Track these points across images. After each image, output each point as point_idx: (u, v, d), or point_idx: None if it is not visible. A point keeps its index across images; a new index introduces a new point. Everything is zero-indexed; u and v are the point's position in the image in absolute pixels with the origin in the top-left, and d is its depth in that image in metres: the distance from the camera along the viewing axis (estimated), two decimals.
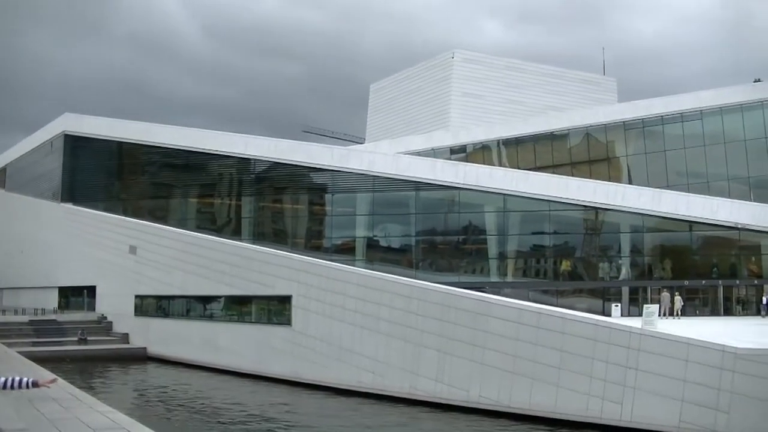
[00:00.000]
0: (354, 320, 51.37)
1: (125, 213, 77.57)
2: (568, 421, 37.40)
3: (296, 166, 70.37)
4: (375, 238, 71.75)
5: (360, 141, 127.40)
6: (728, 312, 65.79)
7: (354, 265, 60.27)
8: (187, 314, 69.89)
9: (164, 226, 72.29)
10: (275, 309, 60.71)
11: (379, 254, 69.94)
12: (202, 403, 48.24)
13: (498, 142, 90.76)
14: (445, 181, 67.22)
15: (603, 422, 36.32)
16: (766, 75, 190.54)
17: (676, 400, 33.91)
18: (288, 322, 57.58)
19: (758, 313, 62.72)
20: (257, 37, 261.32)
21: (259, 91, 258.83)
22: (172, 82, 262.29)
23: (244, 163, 72.86)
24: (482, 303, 43.91)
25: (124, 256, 74.66)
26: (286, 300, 58.27)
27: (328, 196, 71.85)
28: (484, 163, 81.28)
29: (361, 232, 70.36)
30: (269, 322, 60.69)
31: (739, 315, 64.37)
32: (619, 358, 36.47)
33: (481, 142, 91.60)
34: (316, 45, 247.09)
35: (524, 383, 40.14)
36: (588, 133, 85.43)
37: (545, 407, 38.88)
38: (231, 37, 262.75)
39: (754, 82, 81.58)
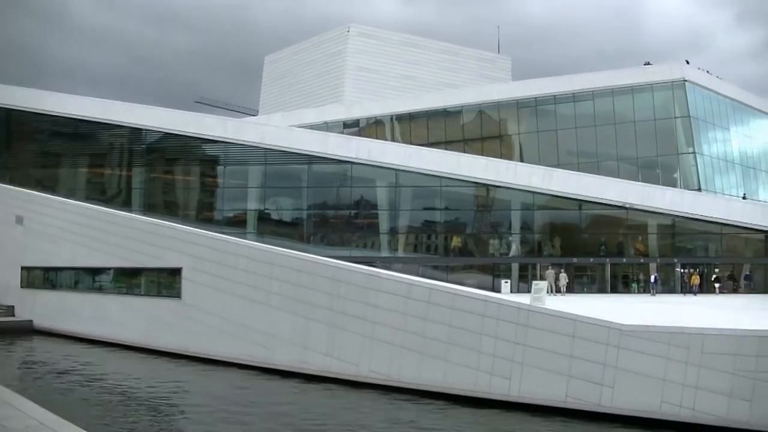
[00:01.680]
0: (245, 293, 51.02)
1: (12, 182, 75.72)
2: (457, 395, 37.67)
3: (189, 137, 69.57)
4: (267, 211, 71.55)
5: (253, 113, 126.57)
6: (615, 289, 67.13)
7: (245, 238, 59.86)
8: (75, 286, 68.62)
9: (52, 196, 70.78)
10: (165, 282, 59.94)
11: (270, 227, 69.79)
12: (87, 375, 47.48)
13: (392, 117, 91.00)
14: (338, 155, 67.19)
15: (491, 397, 36.64)
16: (656, 58, 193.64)
17: (563, 376, 34.42)
18: (178, 294, 56.90)
19: (644, 291, 64.07)
20: (148, 5, 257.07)
21: (150, 61, 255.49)
22: (60, 49, 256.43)
23: (135, 133, 71.71)
24: (372, 277, 43.94)
25: (10, 227, 73.00)
26: (176, 272, 57.56)
27: (220, 168, 71.28)
28: (377, 138, 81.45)
29: (252, 204, 70.06)
30: (159, 294, 59.91)
31: (634, 293, 65.72)
32: (508, 333, 36.83)
33: (375, 117, 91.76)
34: (209, 15, 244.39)
35: (414, 358, 40.32)
36: (481, 111, 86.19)
37: (434, 382, 39.12)
38: (121, 4, 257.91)
39: (645, 65, 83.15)
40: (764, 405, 29.21)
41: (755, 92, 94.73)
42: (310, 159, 68.37)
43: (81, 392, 41.78)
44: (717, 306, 47.47)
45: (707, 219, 65.88)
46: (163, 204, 71.93)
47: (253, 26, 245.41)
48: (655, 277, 64.25)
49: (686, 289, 63.98)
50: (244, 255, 52.35)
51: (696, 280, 62.91)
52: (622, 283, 68.68)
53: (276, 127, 75.17)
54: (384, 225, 69.74)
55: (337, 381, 42.98)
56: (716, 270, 66.56)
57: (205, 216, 70.12)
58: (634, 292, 65.43)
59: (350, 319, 43.66)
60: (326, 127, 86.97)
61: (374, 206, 70.26)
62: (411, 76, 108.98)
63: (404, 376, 40.52)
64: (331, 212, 70.86)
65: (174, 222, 61.66)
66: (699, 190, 73.24)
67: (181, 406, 38.18)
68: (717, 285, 65.05)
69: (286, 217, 72.46)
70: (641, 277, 66.35)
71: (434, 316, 39.87)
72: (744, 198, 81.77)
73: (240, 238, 57.93)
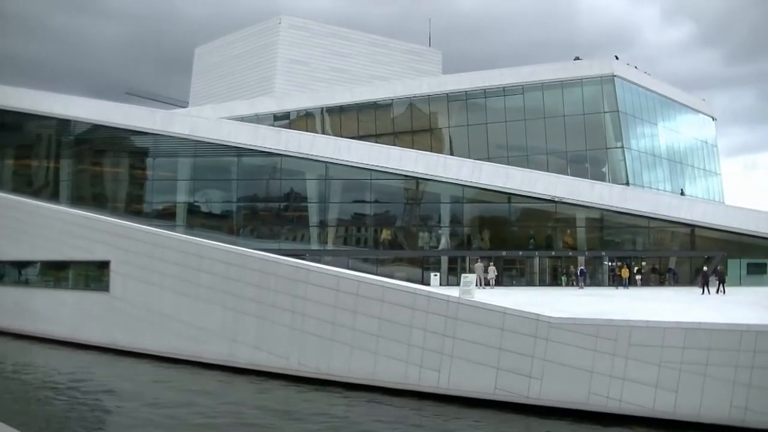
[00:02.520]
0: (173, 286, 50.52)
1: None
2: (387, 388, 37.62)
3: (117, 128, 68.86)
4: (196, 204, 71.14)
5: (183, 105, 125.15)
6: (544, 282, 67.62)
7: (174, 231, 59.35)
8: (1, 280, 67.51)
9: None
10: (93, 275, 59.16)
11: (200, 220, 69.39)
12: (11, 370, 46.80)
13: (322, 109, 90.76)
14: (268, 148, 66.96)
15: (421, 389, 36.65)
16: (587, 52, 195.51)
17: (492, 368, 34.50)
18: (106, 288, 56.10)
19: (574, 284, 64.60)
20: None
21: (78, 51, 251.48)
22: None
23: (63, 124, 70.74)
24: (301, 270, 43.72)
25: None
26: (104, 265, 56.76)
27: (149, 160, 70.67)
28: (307, 131, 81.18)
29: (182, 197, 69.56)
30: (87, 288, 59.15)
31: (562, 286, 66.20)
32: (437, 326, 36.84)
33: (305, 110, 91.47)
34: (139, 5, 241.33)
35: (343, 351, 40.19)
36: (411, 104, 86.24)
37: (364, 374, 39.03)
38: None
39: (575, 59, 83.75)
40: (689, 396, 29.53)
41: (682, 88, 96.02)
42: (240, 151, 68.04)
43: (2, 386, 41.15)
44: (644, 299, 47.97)
45: (635, 213, 66.68)
46: (91, 196, 71.05)
47: (184, 17, 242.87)
48: (582, 270, 64.79)
49: (617, 282, 64.62)
50: (172, 248, 51.82)
51: (626, 273, 63.56)
52: (550, 276, 69.22)
53: (206, 119, 74.73)
54: (314, 218, 69.63)
55: (266, 374, 42.73)
56: (643, 263, 67.41)
57: (134, 208, 69.41)
58: (563, 285, 65.95)
59: (279, 312, 43.41)
60: (257, 119, 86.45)
61: (304, 199, 70.10)
62: (342, 68, 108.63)
63: (334, 369, 40.38)
64: (260, 205, 70.61)
65: (102, 214, 60.86)
66: (627, 184, 73.99)
67: (104, 402, 37.68)
68: (638, 278, 65.89)
69: (216, 209, 72.08)
70: (572, 269, 66.88)
71: (364, 309, 39.77)
72: (682, 194, 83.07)
73: (169, 230, 57.38)
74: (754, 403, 28.40)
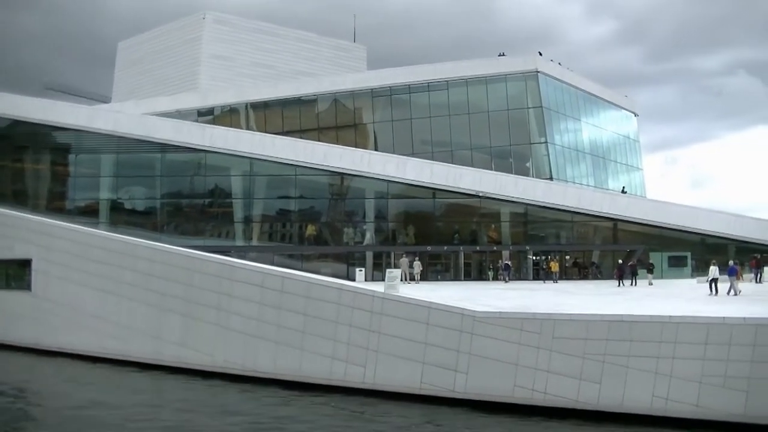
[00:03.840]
0: (97, 284, 49.83)
1: None
2: (313, 384, 37.51)
3: (38, 124, 67.91)
4: (120, 201, 70.56)
5: (106, 100, 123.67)
6: (469, 277, 67.98)
7: (97, 228, 58.69)
8: None
9: None
10: (14, 273, 58.11)
11: (123, 217, 68.82)
12: None
13: (246, 105, 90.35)
14: (192, 144, 66.57)
15: (347, 385, 36.57)
16: (511, 48, 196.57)
17: (418, 363, 34.53)
18: (28, 287, 55.16)
19: (499, 278, 65.01)
20: None
21: None
22: None
23: None
24: (226, 267, 43.46)
25: None
26: (25, 264, 55.78)
27: (71, 157, 69.96)
28: (232, 127, 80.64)
29: (105, 194, 68.97)
30: (8, 287, 58.07)
31: (488, 280, 66.56)
32: (363, 321, 36.80)
33: (230, 105, 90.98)
34: None
35: (269, 347, 39.98)
36: (336, 100, 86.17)
37: (290, 371, 38.85)
38: None
39: (499, 56, 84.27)
40: (612, 387, 29.86)
41: (605, 84, 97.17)
42: (164, 147, 67.60)
43: None
44: (567, 292, 48.40)
45: (558, 207, 67.28)
46: (11, 193, 70.04)
47: (107, 10, 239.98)
48: (506, 264, 65.24)
49: (545, 276, 65.17)
50: (95, 245, 51.18)
51: (555, 267, 64.14)
52: (475, 271, 69.64)
53: (129, 115, 73.99)
54: (238, 214, 69.37)
55: (192, 371, 42.39)
56: (567, 257, 68.11)
57: (55, 206, 68.62)
58: (490, 280, 66.32)
59: (204, 309, 43.09)
60: (180, 115, 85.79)
61: (229, 195, 69.84)
62: (267, 64, 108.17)
63: (260, 366, 40.16)
64: (185, 201, 70.22)
65: (23, 212, 59.89)
66: (551, 179, 74.72)
67: (16, 403, 37.07)
68: (542, 270, 66.79)
69: (140, 206, 71.53)
70: (499, 263, 67.25)
71: (289, 305, 39.62)
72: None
73: (92, 228, 56.70)
74: (675, 393, 28.78)
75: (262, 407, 34.97)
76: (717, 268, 46.71)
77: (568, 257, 69.46)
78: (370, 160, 67.92)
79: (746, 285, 49.02)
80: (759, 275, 58.80)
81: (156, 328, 45.57)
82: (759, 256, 62.70)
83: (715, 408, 28.18)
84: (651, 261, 62.85)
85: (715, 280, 45.80)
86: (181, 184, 70.19)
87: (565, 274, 66.66)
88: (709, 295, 44.45)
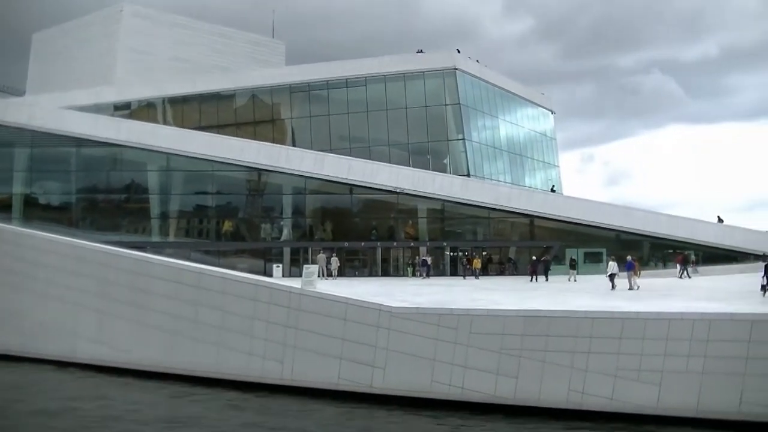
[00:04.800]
0: (9, 281, 49.02)
1: None
2: (230, 380, 37.30)
3: None
4: (34, 196, 69.56)
5: (19, 93, 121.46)
6: (387, 273, 68.11)
7: (10, 224, 57.76)
8: None
9: None
10: None
11: (37, 212, 67.82)
12: None
13: (164, 100, 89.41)
14: (108, 138, 65.86)
15: (264, 381, 36.45)
16: (431, 45, 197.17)
17: (335, 358, 34.54)
18: None
19: (418, 274, 65.21)
20: None
21: None
22: None
23: None
24: (142, 263, 43.08)
25: None
26: None
27: None
28: (149, 121, 79.71)
29: (18, 188, 67.97)
30: None
31: (407, 276, 66.68)
32: (280, 317, 36.72)
33: (147, 100, 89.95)
34: None
35: (186, 344, 39.70)
36: (254, 95, 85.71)
37: (208, 367, 38.60)
38: None
39: (417, 52, 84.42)
40: (529, 381, 30.14)
41: (522, 81, 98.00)
42: (80, 142, 66.75)
43: None
44: (484, 288, 48.73)
45: (475, 203, 67.69)
46: None
47: (19, 0, 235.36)
48: (424, 260, 65.50)
49: (466, 272, 65.44)
50: (6, 241, 50.44)
51: (477, 263, 64.44)
52: (393, 267, 69.82)
53: (44, 108, 72.73)
54: (155, 210, 68.79)
55: (109, 369, 41.85)
56: (484, 253, 68.57)
57: None
58: (409, 276, 66.50)
59: (121, 306, 42.68)
60: (97, 109, 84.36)
61: (145, 190, 69.20)
62: (185, 58, 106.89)
63: (177, 362, 39.84)
64: (101, 196, 69.47)
65: None
66: (468, 175, 75.07)
67: None
68: (462, 266, 67.28)
69: (55, 201, 70.60)
70: (417, 259, 67.45)
71: (206, 301, 39.42)
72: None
73: (4, 223, 55.69)
74: (591, 387, 29.17)
75: (166, 405, 34.72)
76: (615, 264, 47.99)
77: (485, 253, 69.95)
78: (287, 155, 67.77)
79: (644, 281, 49.92)
80: (685, 271, 59.94)
81: (71, 326, 44.96)
82: (686, 253, 63.91)
83: (629, 401, 28.64)
84: (573, 257, 63.56)
85: (613, 275, 46.91)
86: (96, 179, 69.39)
87: (482, 271, 67.10)
88: (611, 290, 45.44)
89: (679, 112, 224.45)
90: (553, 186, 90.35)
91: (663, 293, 42.58)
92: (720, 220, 72.28)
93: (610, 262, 48.52)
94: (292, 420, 31.01)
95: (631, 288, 45.79)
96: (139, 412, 33.09)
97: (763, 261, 40.30)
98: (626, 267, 48.06)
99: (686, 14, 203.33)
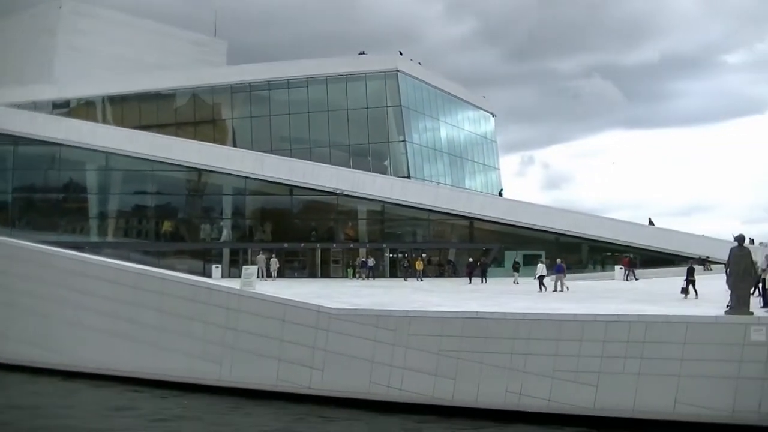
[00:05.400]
0: None
1: None
2: (171, 382, 37.06)
3: None
4: None
5: None
6: (327, 274, 68.15)
7: None
8: None
9: None
10: None
11: None
12: None
13: (103, 98, 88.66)
14: (46, 137, 65.20)
15: (204, 383, 36.19)
16: (372, 47, 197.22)
17: (274, 359, 34.48)
18: None
19: (359, 276, 65.35)
20: None
21: None
22: None
23: None
24: (79, 262, 42.69)
25: None
26: None
27: None
28: (88, 120, 78.95)
29: None
30: None
31: (348, 278, 66.73)
32: (219, 318, 36.59)
33: (86, 98, 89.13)
34: None
35: (126, 345, 39.31)
36: (195, 95, 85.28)
37: (148, 369, 38.25)
38: None
39: (359, 54, 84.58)
40: (467, 383, 30.29)
41: (464, 84, 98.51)
42: (16, 140, 66.06)
43: None
44: (423, 290, 48.97)
45: (415, 205, 67.97)
46: None
47: None
48: (363, 261, 65.66)
49: (407, 273, 65.60)
50: None
51: (420, 265, 64.59)
52: (333, 268, 69.87)
53: None
54: (94, 209, 68.31)
55: (48, 371, 41.30)
56: (423, 255, 68.78)
57: None
58: (350, 277, 66.59)
59: (57, 306, 42.18)
60: (35, 107, 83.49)
61: (84, 190, 68.74)
62: (125, 57, 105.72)
63: (118, 364, 39.41)
64: (38, 196, 68.88)
65: None
66: (408, 177, 75.32)
67: None
68: (403, 268, 67.58)
69: None
70: (358, 260, 67.56)
71: (144, 302, 39.14)
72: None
73: None
74: (529, 388, 29.39)
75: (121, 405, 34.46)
76: (544, 266, 49.00)
77: (424, 255, 70.24)
78: (228, 156, 67.64)
79: (584, 284, 50.72)
80: (630, 274, 60.74)
81: (2, 327, 44.31)
82: (632, 256, 64.74)
83: (566, 402, 28.87)
84: (517, 260, 64.05)
85: (542, 277, 47.77)
86: (34, 178, 68.80)
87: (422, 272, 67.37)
88: (539, 291, 46.10)
89: (619, 116, 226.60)
90: (501, 190, 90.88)
91: (601, 295, 43.13)
92: (651, 223, 73.46)
93: (539, 264, 49.49)
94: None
95: (555, 290, 46.55)
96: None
97: (701, 264, 41.06)
98: (555, 270, 48.80)
99: (628, 20, 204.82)
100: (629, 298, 40.86)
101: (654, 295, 42.73)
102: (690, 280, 40.50)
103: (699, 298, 38.99)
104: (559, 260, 50.41)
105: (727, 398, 26.82)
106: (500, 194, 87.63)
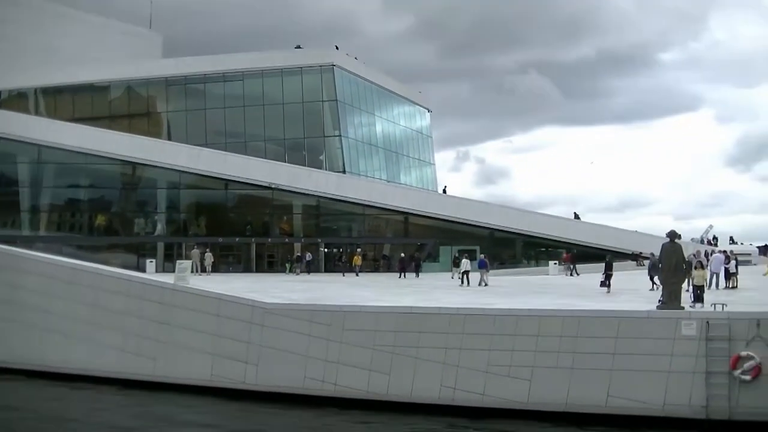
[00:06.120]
0: None
1: None
2: (106, 378, 36.71)
3: None
4: None
5: None
6: (261, 269, 68.03)
7: None
8: None
9: None
10: None
11: None
12: None
13: (36, 90, 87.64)
14: None
15: (139, 378, 35.87)
16: (309, 41, 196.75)
17: (208, 354, 34.36)
18: None
19: (296, 270, 65.31)
20: None
21: None
22: None
23: None
24: (11, 257, 42.17)
25: None
26: None
27: None
28: (20, 112, 77.97)
29: None
30: None
31: (285, 272, 66.59)
32: (153, 313, 36.39)
33: (18, 90, 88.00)
34: None
35: (59, 341, 38.91)
36: (129, 87, 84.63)
37: (82, 364, 37.81)
38: None
39: (296, 48, 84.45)
40: (402, 378, 30.40)
41: (400, 79, 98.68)
42: None
43: None
44: (359, 284, 49.08)
45: (350, 200, 68.08)
46: None
47: None
48: (299, 256, 65.71)
49: (344, 268, 65.67)
50: None
51: (358, 260, 64.68)
52: (267, 263, 69.79)
53: None
54: (25, 203, 67.48)
55: None
56: (358, 250, 68.88)
57: None
58: (287, 272, 66.49)
59: None
60: None
61: (15, 183, 67.86)
62: (57, 48, 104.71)
63: (49, 360, 38.98)
64: None
65: None
66: (344, 172, 75.46)
67: None
68: (340, 263, 67.77)
69: None
70: (295, 255, 67.52)
71: (78, 297, 38.77)
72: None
73: None
74: (462, 382, 29.59)
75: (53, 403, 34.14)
76: (468, 261, 49.80)
77: (359, 249, 70.37)
78: (162, 149, 67.21)
79: (518, 279, 51.37)
80: (573, 269, 61.41)
81: None
82: (575, 251, 65.39)
83: (500, 396, 29.12)
84: (456, 255, 64.42)
85: (466, 272, 48.72)
86: None
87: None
88: (460, 286, 46.72)
89: (555, 113, 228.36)
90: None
91: (535, 290, 43.55)
92: (577, 217, 74.43)
93: (464, 260, 50.19)
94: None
95: (480, 284, 47.18)
96: None
97: (634, 260, 41.89)
98: (479, 264, 49.66)
99: (565, 17, 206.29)
100: (563, 293, 41.38)
101: (587, 289, 43.29)
102: (608, 274, 41.58)
103: (610, 292, 40.48)
104: (482, 255, 51.14)
105: (659, 392, 27.26)
106: (444, 191, 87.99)
